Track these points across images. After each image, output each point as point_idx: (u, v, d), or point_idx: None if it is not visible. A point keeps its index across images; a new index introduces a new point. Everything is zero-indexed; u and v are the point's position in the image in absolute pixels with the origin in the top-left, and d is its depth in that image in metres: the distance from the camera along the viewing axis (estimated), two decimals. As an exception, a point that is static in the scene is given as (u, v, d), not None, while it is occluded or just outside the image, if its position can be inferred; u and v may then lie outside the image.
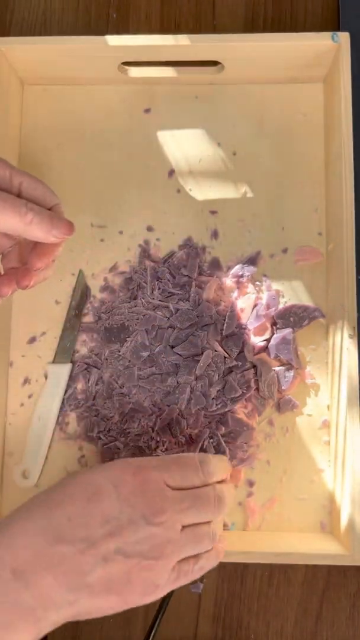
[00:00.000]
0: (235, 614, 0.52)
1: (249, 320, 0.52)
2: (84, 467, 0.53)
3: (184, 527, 0.40)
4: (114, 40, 0.51)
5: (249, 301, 0.52)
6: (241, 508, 0.51)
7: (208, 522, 0.42)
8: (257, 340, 0.51)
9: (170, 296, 0.52)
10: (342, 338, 0.48)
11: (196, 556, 0.41)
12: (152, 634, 0.49)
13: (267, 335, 0.52)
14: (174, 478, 0.41)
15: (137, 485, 0.39)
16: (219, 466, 0.44)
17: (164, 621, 0.51)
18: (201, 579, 0.52)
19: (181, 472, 0.42)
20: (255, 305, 0.52)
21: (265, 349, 0.51)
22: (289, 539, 0.50)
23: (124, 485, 0.39)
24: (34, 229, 0.40)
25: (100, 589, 0.36)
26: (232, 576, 0.52)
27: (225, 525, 0.51)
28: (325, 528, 0.50)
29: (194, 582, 0.52)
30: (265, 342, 0.51)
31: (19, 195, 0.41)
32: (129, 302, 0.53)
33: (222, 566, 0.52)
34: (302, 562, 0.49)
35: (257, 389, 0.51)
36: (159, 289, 0.52)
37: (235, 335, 0.51)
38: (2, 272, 0.46)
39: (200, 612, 0.52)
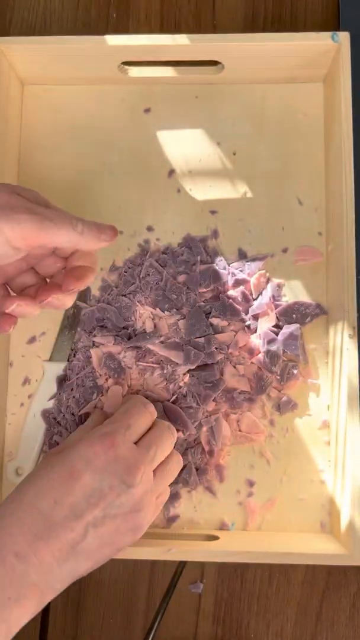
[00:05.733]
0: (235, 614, 0.52)
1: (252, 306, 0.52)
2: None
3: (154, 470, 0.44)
4: (113, 40, 0.51)
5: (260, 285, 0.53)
6: (241, 508, 0.51)
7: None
8: (262, 327, 0.51)
9: (166, 300, 0.52)
10: (342, 338, 0.48)
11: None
12: (152, 634, 0.49)
13: (272, 322, 0.52)
14: (134, 431, 0.44)
15: (109, 454, 0.42)
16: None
17: (164, 621, 0.51)
18: (201, 579, 0.52)
19: (136, 423, 0.45)
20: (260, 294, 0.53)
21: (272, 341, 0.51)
22: (289, 539, 0.50)
23: (97, 457, 0.41)
24: (86, 239, 0.43)
25: (94, 549, 0.40)
26: (232, 576, 0.52)
27: (224, 525, 0.51)
28: (325, 528, 0.50)
29: (194, 583, 0.52)
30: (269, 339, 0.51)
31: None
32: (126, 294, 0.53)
33: (222, 566, 0.52)
34: (302, 562, 0.49)
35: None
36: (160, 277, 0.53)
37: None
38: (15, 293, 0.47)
39: (200, 612, 0.52)
